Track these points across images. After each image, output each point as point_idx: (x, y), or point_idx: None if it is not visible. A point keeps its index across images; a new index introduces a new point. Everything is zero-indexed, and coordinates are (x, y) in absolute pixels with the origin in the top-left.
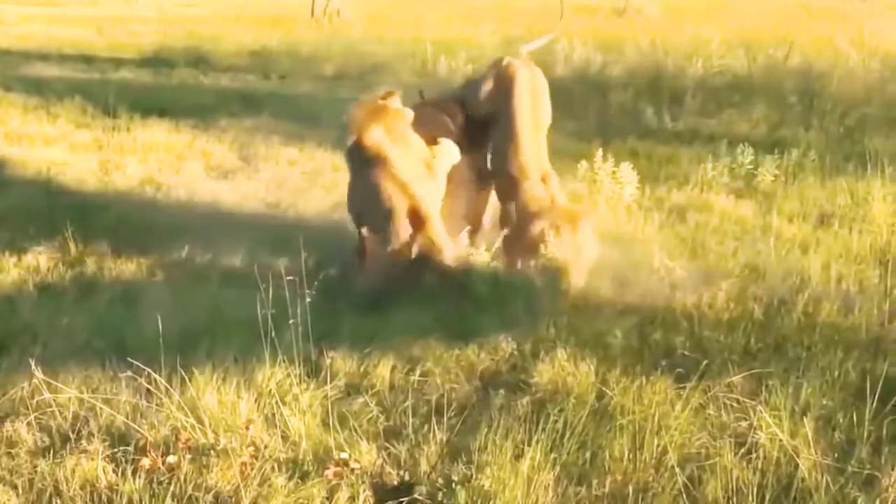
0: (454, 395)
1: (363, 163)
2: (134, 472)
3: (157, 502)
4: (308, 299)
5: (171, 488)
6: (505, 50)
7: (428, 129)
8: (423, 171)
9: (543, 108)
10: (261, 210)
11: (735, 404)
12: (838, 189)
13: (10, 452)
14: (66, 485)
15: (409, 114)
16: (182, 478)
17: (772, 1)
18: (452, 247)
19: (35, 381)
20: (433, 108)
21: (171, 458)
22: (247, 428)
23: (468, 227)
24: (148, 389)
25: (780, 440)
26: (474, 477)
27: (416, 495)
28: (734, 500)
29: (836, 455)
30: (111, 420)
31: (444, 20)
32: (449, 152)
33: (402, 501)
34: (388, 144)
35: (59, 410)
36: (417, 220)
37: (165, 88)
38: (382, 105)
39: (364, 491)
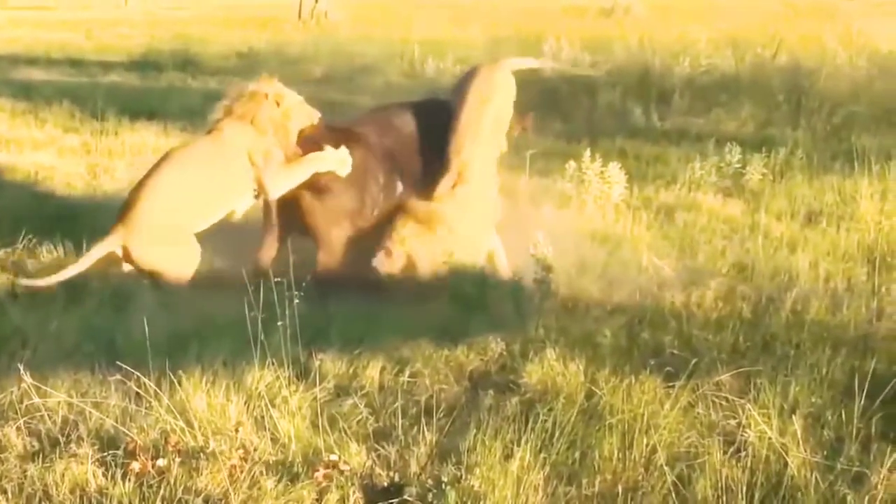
0: (443, 395)
1: None
2: (124, 476)
3: None
4: (296, 301)
5: (161, 491)
6: (493, 50)
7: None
8: (268, 154)
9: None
10: (249, 212)
11: (724, 403)
12: (826, 187)
13: None
14: (56, 489)
15: (289, 97)
16: (172, 481)
17: None
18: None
19: (24, 385)
20: (384, 114)
21: (160, 462)
22: (236, 430)
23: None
24: (137, 393)
25: (769, 438)
26: (464, 477)
27: (405, 496)
28: (723, 498)
29: (825, 453)
30: (100, 424)
31: (431, 21)
32: (332, 157)
33: (392, 503)
34: (229, 121)
35: (48, 415)
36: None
37: (154, 91)
38: (245, 88)
39: (354, 493)
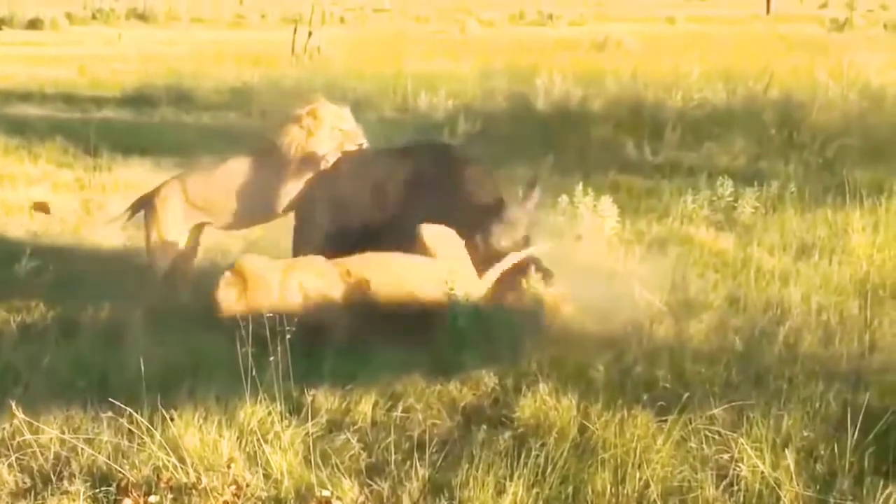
0: (436, 430)
1: None
2: None
3: None
4: (288, 336)
5: None
6: (485, 84)
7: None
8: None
9: None
10: (244, 248)
11: (717, 437)
12: (818, 220)
13: None
14: None
15: (326, 120)
16: None
17: (751, 33)
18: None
19: (16, 421)
20: None
21: (152, 498)
22: (228, 466)
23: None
24: (129, 429)
25: (762, 472)
26: None
27: None
28: None
29: (818, 487)
30: (92, 460)
31: (424, 55)
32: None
33: None
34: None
35: (40, 451)
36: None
37: (147, 127)
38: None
39: None
